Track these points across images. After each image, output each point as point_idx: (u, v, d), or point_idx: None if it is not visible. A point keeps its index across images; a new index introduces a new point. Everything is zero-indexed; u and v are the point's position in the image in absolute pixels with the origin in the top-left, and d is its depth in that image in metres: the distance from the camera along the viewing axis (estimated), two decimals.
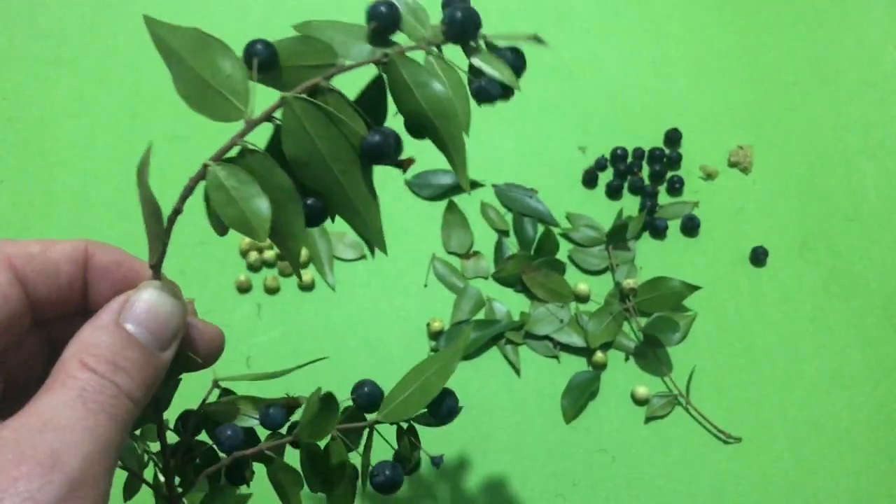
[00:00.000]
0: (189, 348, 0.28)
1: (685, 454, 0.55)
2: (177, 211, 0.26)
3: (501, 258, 0.60)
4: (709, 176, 0.65)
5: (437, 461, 0.33)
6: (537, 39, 0.26)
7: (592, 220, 0.62)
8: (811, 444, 0.55)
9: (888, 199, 0.64)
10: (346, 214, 0.28)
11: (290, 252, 0.27)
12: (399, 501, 0.53)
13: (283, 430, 0.33)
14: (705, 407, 0.56)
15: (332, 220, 0.28)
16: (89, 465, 0.22)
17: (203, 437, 0.33)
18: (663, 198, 0.64)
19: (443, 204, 0.62)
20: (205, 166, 0.25)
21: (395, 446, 0.34)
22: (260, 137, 0.27)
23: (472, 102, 0.27)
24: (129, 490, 0.34)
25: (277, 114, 0.26)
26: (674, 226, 0.63)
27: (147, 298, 0.25)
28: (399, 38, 0.27)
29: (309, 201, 0.27)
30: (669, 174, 0.64)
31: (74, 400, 0.22)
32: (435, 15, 0.27)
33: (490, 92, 0.26)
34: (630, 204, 0.63)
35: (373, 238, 0.28)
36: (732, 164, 0.65)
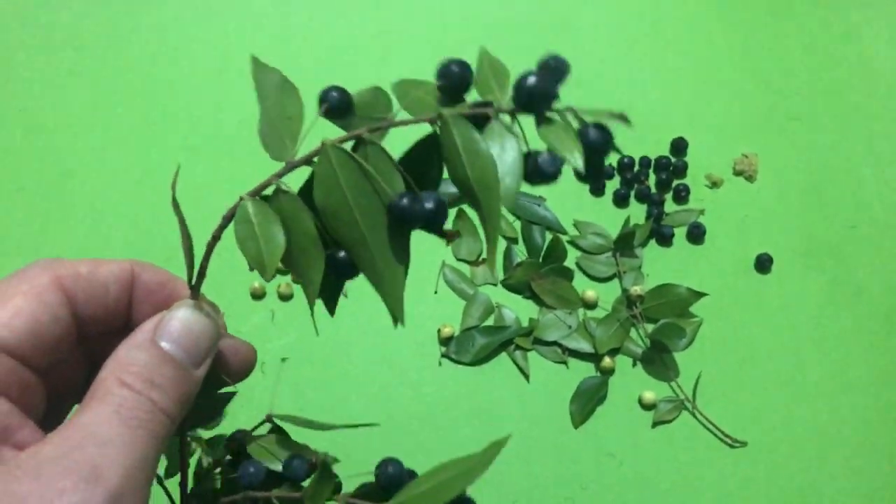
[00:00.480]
0: (221, 365, 0.29)
1: (692, 458, 0.56)
2: (215, 238, 0.26)
3: (510, 265, 0.61)
4: (714, 184, 0.66)
5: None
6: (623, 119, 0.24)
7: (600, 227, 0.63)
8: (816, 449, 0.56)
9: (891, 207, 0.65)
10: (368, 272, 0.27)
11: (307, 294, 0.27)
12: None
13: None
14: (711, 412, 0.57)
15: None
16: (128, 480, 0.22)
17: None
18: (669, 206, 0.65)
19: (453, 212, 0.63)
20: (240, 199, 0.26)
21: None
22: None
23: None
24: None
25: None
26: (680, 233, 0.64)
27: (181, 317, 0.26)
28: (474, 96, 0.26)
29: (341, 254, 0.26)
30: (675, 182, 0.65)
31: (112, 416, 0.23)
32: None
33: (544, 171, 0.24)
34: (637, 212, 0.64)
35: (391, 305, 0.27)
36: (738, 173, 0.66)
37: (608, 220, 0.63)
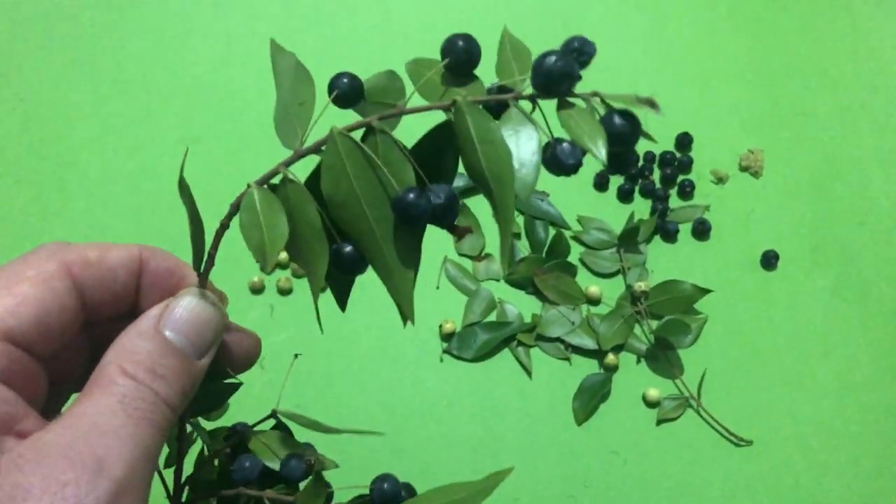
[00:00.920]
0: (225, 355, 0.28)
1: (696, 456, 0.55)
2: (224, 225, 0.26)
3: (513, 261, 0.61)
4: (720, 180, 0.65)
5: None
6: (651, 104, 0.21)
7: (604, 223, 0.62)
8: (821, 447, 0.56)
9: None
10: (378, 266, 0.26)
11: (311, 285, 0.26)
12: None
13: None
14: (716, 409, 0.56)
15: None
16: (132, 471, 0.22)
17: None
18: (674, 201, 0.64)
19: None
20: (248, 186, 0.25)
21: None
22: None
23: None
24: None
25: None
26: (685, 229, 0.63)
27: (186, 305, 0.26)
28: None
29: (347, 248, 0.25)
30: (680, 178, 0.65)
31: (116, 406, 0.23)
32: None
33: (563, 162, 0.22)
34: (641, 207, 0.64)
35: (400, 302, 0.26)
36: (743, 168, 0.65)
37: (612, 215, 0.63)
